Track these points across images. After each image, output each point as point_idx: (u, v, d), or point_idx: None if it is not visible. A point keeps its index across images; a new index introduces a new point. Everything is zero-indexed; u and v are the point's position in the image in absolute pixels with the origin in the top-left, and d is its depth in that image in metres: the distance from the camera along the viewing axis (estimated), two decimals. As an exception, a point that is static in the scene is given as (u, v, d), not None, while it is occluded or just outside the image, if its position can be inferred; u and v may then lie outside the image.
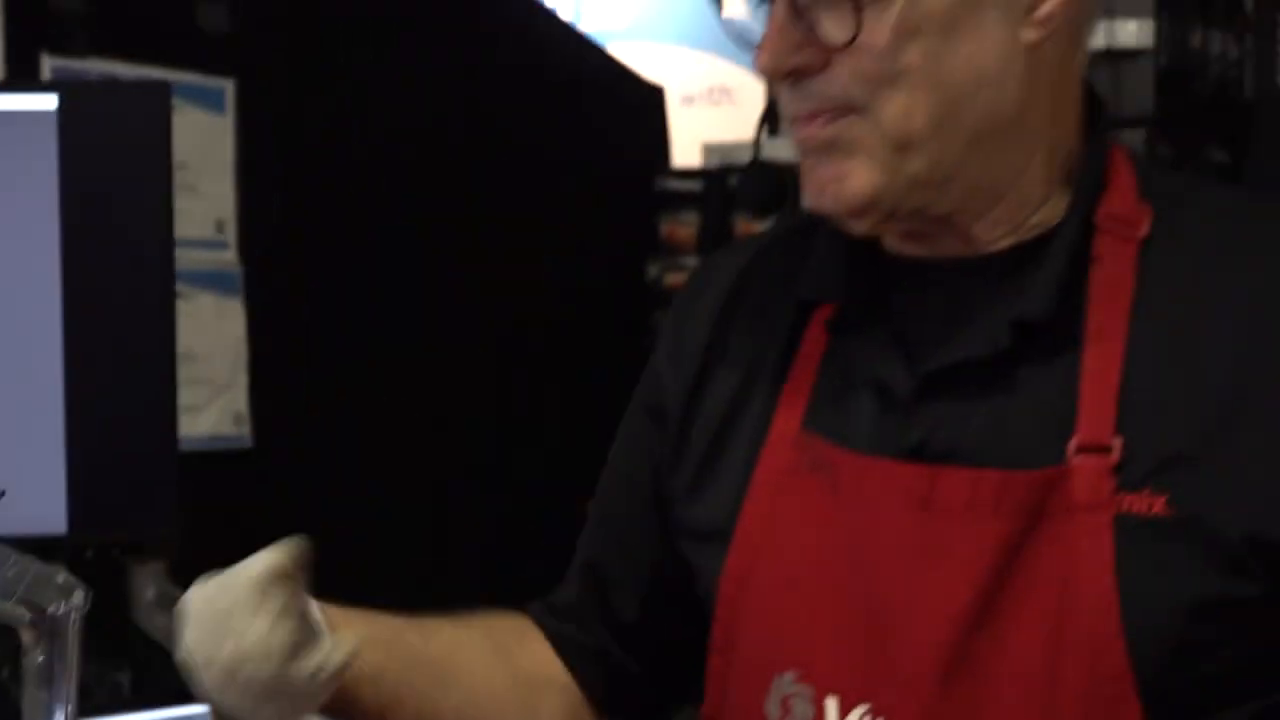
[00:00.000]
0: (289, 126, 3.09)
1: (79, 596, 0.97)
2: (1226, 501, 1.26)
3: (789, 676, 1.36)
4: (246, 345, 2.92)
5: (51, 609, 0.97)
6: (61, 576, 0.96)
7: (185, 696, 1.97)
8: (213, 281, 2.85)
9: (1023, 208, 1.37)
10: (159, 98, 1.82)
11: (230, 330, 2.88)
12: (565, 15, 5.00)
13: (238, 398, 2.90)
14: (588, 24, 5.18)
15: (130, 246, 1.79)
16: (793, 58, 1.33)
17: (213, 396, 2.84)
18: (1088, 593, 1.26)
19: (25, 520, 1.63)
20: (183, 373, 1.96)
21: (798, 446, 1.40)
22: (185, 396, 2.32)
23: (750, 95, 4.84)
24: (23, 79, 2.64)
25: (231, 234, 2.92)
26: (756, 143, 1.48)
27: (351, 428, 3.14)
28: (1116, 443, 1.28)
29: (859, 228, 1.38)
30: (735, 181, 3.58)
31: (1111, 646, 1.25)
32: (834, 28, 1.31)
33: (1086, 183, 1.37)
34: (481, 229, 3.45)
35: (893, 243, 1.42)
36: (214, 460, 2.84)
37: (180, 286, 2.07)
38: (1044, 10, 1.33)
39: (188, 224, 2.63)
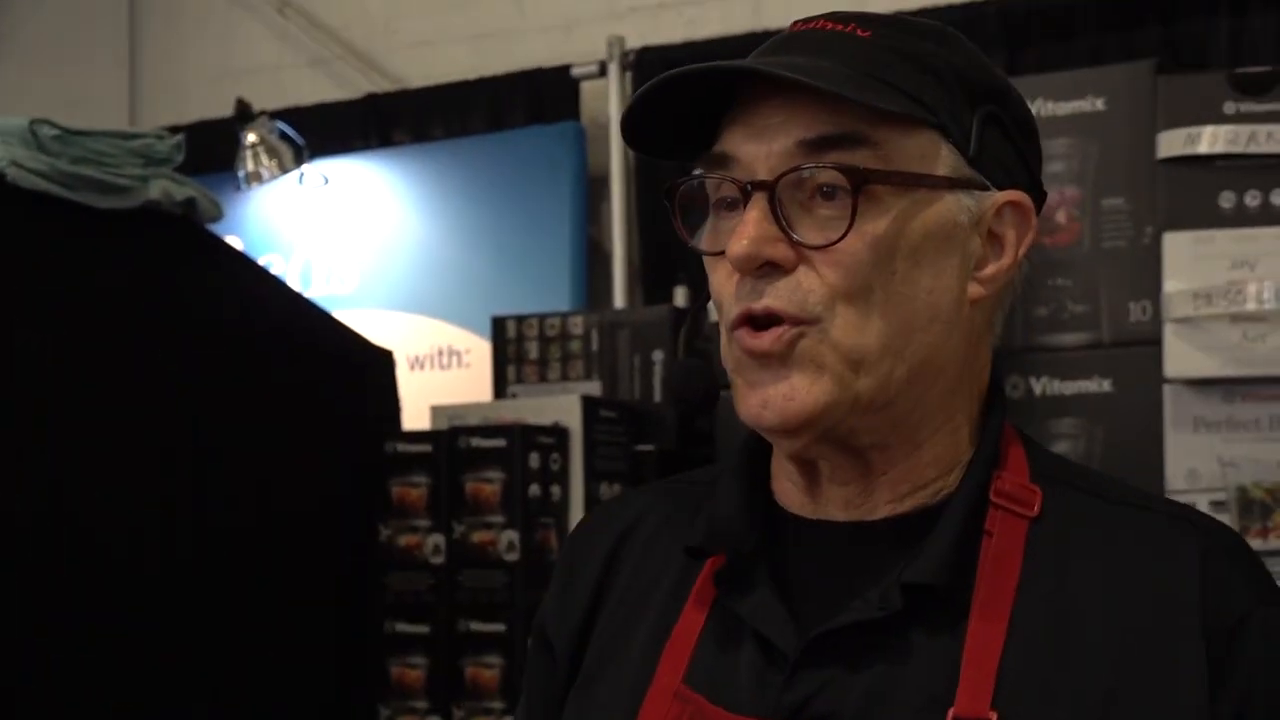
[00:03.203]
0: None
1: None
2: None
3: None
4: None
5: None
6: None
7: None
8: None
9: (930, 468, 1.40)
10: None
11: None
12: (292, 282, 5.05)
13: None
14: (315, 290, 5.23)
15: None
16: (770, 250, 1.34)
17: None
18: None
19: None
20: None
21: (679, 699, 1.39)
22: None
23: (478, 357, 4.91)
24: None
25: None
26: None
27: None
28: (993, 717, 1.29)
29: (789, 446, 1.40)
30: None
31: None
32: (810, 231, 1.34)
33: (985, 457, 1.40)
34: (211, 494, 3.44)
35: (789, 499, 1.44)
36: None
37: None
38: (988, 270, 1.39)
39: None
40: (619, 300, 4.83)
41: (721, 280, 1.40)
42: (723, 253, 1.38)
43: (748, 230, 1.34)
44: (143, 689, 3.22)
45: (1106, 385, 3.24)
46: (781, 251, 1.35)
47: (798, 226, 1.35)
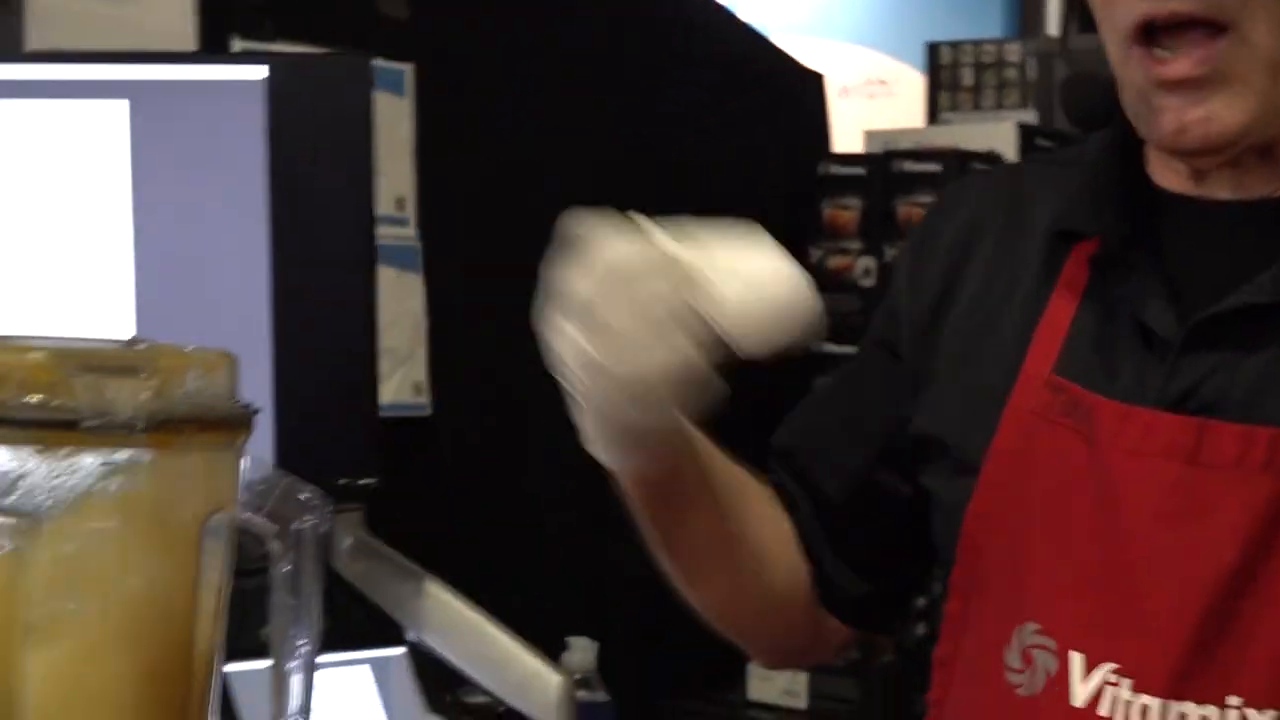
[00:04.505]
0: (464, 108, 3.18)
1: (322, 514, 1.03)
2: None
3: (1031, 627, 1.30)
4: (425, 318, 3.01)
5: (295, 524, 1.03)
6: (306, 494, 1.03)
7: (380, 639, 2.07)
8: (394, 256, 2.94)
9: None
10: (361, 71, 1.91)
11: (410, 304, 2.98)
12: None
13: (417, 368, 2.99)
14: (746, 16, 5.24)
15: (333, 210, 1.87)
16: None
17: (394, 367, 2.93)
18: None
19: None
20: (369, 342, 2.03)
21: (1051, 388, 1.33)
22: (371, 364, 2.40)
23: (907, 87, 4.87)
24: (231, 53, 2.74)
25: (411, 210, 3.02)
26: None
27: (524, 399, 3.22)
28: None
29: (1206, 164, 1.32)
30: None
31: None
32: None
33: None
34: (645, 209, 3.51)
35: (1168, 179, 1.36)
36: (394, 427, 2.93)
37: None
38: None
39: (371, 200, 2.72)
40: (1051, 28, 4.72)
41: None
42: None
43: None
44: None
45: None
46: None
47: None
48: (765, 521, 1.47)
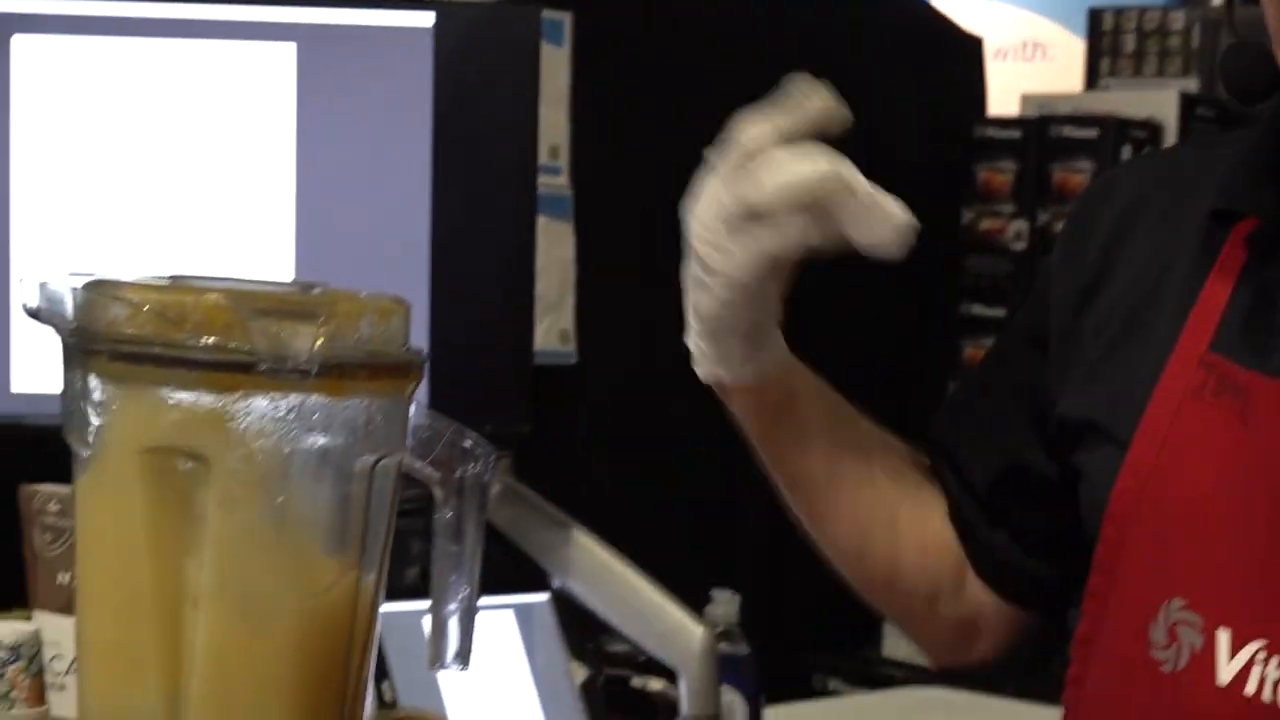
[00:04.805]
0: (618, 59, 3.18)
1: (486, 462, 1.04)
2: None
3: (1177, 603, 1.28)
4: (574, 267, 3.03)
5: (460, 471, 1.04)
6: (470, 441, 1.03)
7: (525, 585, 2.08)
8: (546, 205, 2.95)
9: None
10: (530, 21, 1.92)
11: (560, 252, 2.99)
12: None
13: (565, 316, 3.01)
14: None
15: (496, 159, 1.89)
16: None
17: (542, 314, 2.95)
18: None
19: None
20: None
21: (1204, 366, 1.31)
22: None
23: (1064, 51, 4.82)
24: None
25: (564, 160, 3.03)
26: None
27: (670, 349, 3.22)
28: None
29: None
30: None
31: None
32: None
33: None
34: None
35: None
36: (540, 373, 2.95)
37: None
38: None
39: (525, 148, 2.75)
40: (1216, -3, 4.66)
41: None
42: None
43: None
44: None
45: None
46: None
47: None
48: (899, 479, 1.46)
